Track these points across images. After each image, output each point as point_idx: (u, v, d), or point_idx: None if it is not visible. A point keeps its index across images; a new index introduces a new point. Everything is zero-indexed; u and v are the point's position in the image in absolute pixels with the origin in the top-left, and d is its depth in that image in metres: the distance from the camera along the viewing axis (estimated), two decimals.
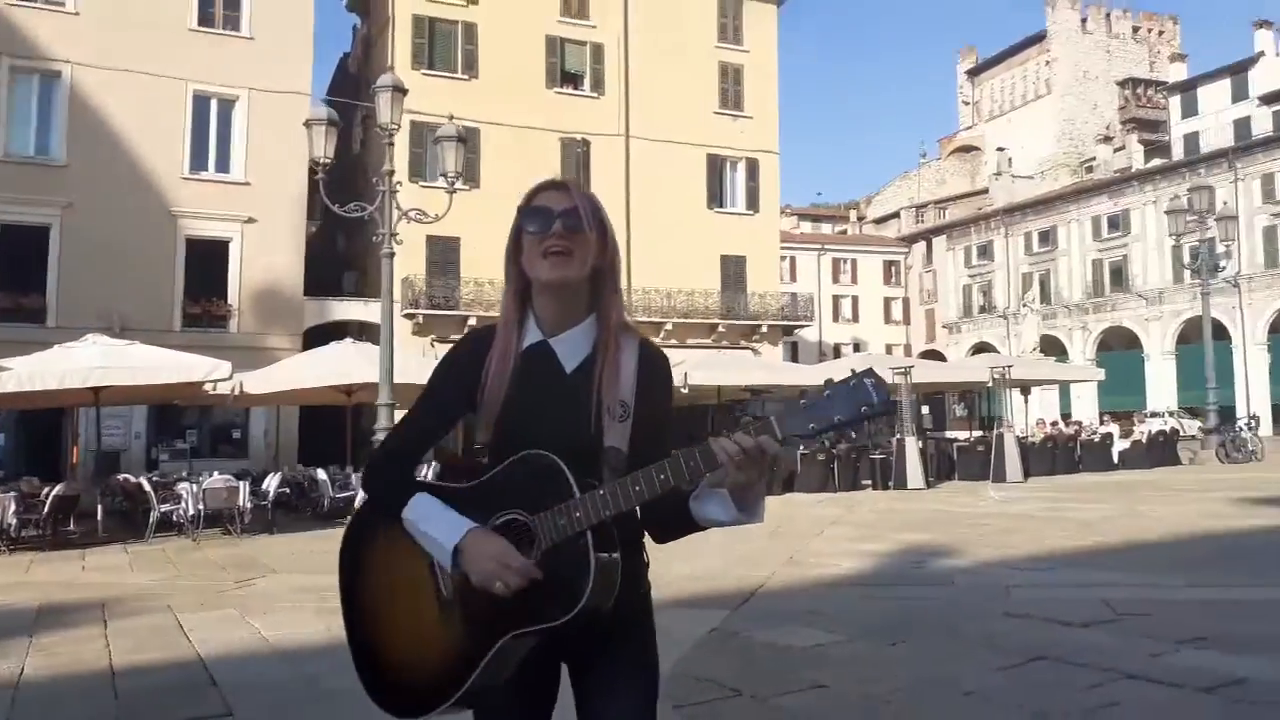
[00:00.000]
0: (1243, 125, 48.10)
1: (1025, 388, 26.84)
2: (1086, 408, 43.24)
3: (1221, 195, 34.07)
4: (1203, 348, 24.88)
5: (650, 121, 30.61)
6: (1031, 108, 68.14)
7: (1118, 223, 48.26)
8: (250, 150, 24.66)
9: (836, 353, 48.92)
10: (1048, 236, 52.12)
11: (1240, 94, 50.85)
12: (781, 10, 34.19)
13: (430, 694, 1.60)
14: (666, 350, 1.80)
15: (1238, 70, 51.97)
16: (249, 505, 11.64)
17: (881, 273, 58.89)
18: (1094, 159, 59.41)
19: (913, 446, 17.42)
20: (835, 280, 56.46)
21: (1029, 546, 9.00)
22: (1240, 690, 4.05)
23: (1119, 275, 48.11)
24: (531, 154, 28.99)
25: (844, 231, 67.26)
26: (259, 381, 14.32)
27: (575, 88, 30.65)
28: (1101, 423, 28.29)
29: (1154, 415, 33.77)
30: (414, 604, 1.65)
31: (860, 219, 70.19)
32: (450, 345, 1.82)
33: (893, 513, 12.88)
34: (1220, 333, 35.36)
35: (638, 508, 1.57)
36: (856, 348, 49.85)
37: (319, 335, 23.43)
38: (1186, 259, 26.48)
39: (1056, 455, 21.12)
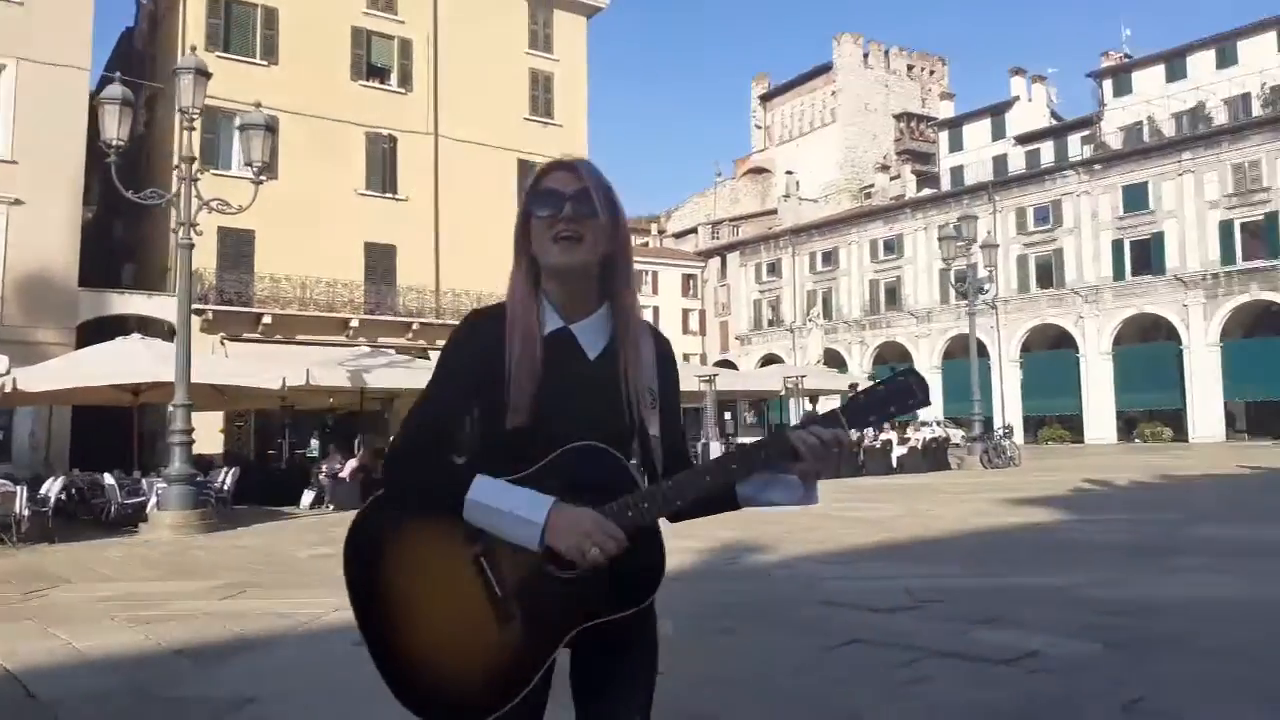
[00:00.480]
0: (1000, 162, 52.97)
1: (814, 396, 28.53)
2: None
3: (983, 225, 37.43)
4: (967, 363, 27.22)
5: (460, 122, 30.31)
6: (818, 134, 72.20)
7: (893, 246, 51.96)
8: (18, 125, 22.55)
9: None
10: (830, 257, 55.40)
11: (999, 133, 55.99)
12: (591, 23, 34.72)
13: (494, 697, 1.50)
14: None
15: (997, 112, 57.27)
16: (27, 512, 10.67)
17: (680, 285, 60.84)
18: (873, 186, 63.74)
19: (717, 450, 18.20)
20: (638, 290, 57.80)
21: (830, 543, 9.66)
22: (1035, 661, 4.60)
23: (893, 295, 51.83)
24: (334, 146, 28.11)
25: (646, 244, 68.87)
26: (34, 378, 13.11)
27: (382, 82, 29.95)
28: (880, 430, 30.32)
29: (924, 424, 36.49)
30: (460, 605, 1.52)
31: (661, 232, 72.16)
32: (447, 334, 1.72)
33: None
34: (980, 350, 38.72)
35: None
36: None
37: (95, 330, 21.73)
38: (954, 281, 28.99)
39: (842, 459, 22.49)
